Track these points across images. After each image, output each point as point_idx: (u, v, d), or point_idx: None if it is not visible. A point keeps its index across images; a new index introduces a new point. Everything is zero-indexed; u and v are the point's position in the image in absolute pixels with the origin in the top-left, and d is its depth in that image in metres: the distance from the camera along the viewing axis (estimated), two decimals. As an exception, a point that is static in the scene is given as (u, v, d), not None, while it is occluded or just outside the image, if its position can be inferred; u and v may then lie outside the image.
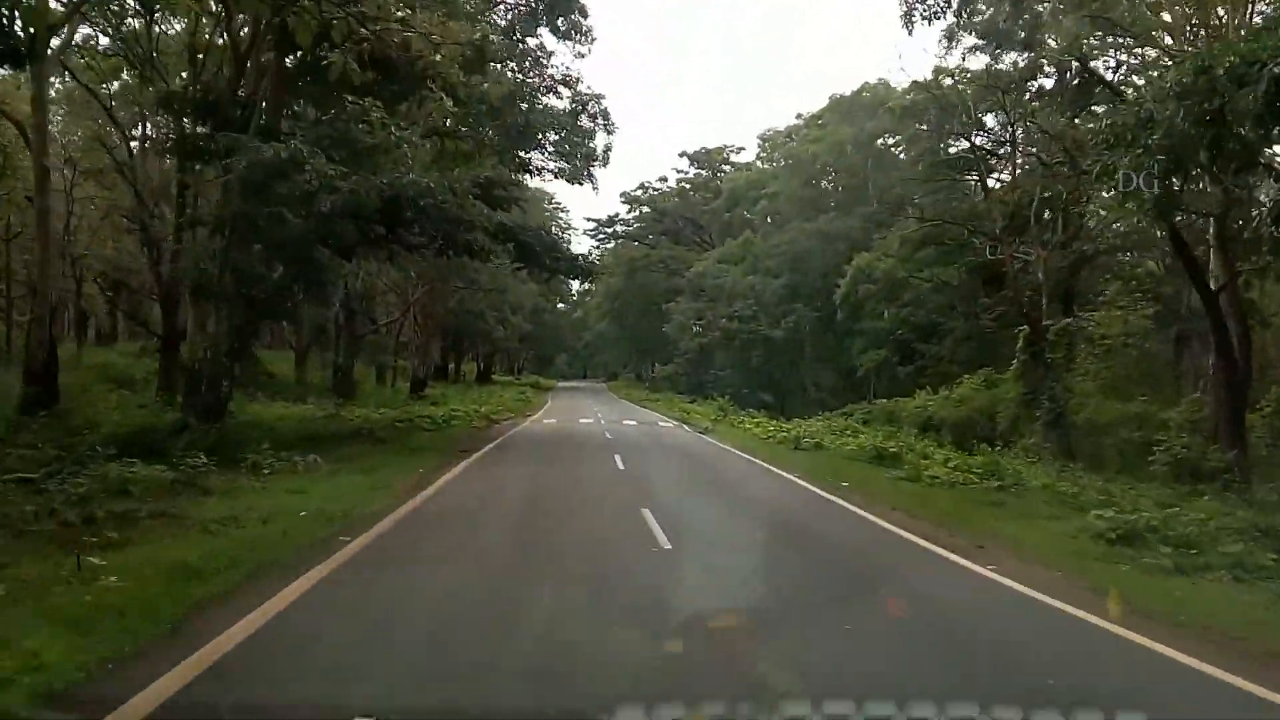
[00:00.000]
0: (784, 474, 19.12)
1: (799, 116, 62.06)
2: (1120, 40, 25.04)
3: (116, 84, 28.28)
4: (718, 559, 10.15)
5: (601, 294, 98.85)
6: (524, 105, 25.07)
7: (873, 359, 45.74)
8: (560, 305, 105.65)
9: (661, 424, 37.89)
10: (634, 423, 37.45)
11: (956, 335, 38.89)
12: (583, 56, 41.05)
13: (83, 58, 25.69)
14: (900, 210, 44.07)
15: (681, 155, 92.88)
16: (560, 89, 28.35)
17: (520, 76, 26.45)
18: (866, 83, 53.28)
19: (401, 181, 18.06)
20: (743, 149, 79.54)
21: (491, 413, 36.62)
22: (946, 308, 43.54)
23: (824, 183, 52.69)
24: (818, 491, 16.29)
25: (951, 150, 37.84)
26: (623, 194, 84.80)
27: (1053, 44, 26.29)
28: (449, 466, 17.96)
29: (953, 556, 10.32)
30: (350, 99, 18.39)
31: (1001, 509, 14.40)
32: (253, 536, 9.81)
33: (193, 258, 18.73)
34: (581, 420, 37.82)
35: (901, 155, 52.67)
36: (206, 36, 23.94)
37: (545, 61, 27.94)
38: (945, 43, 30.02)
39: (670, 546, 10.30)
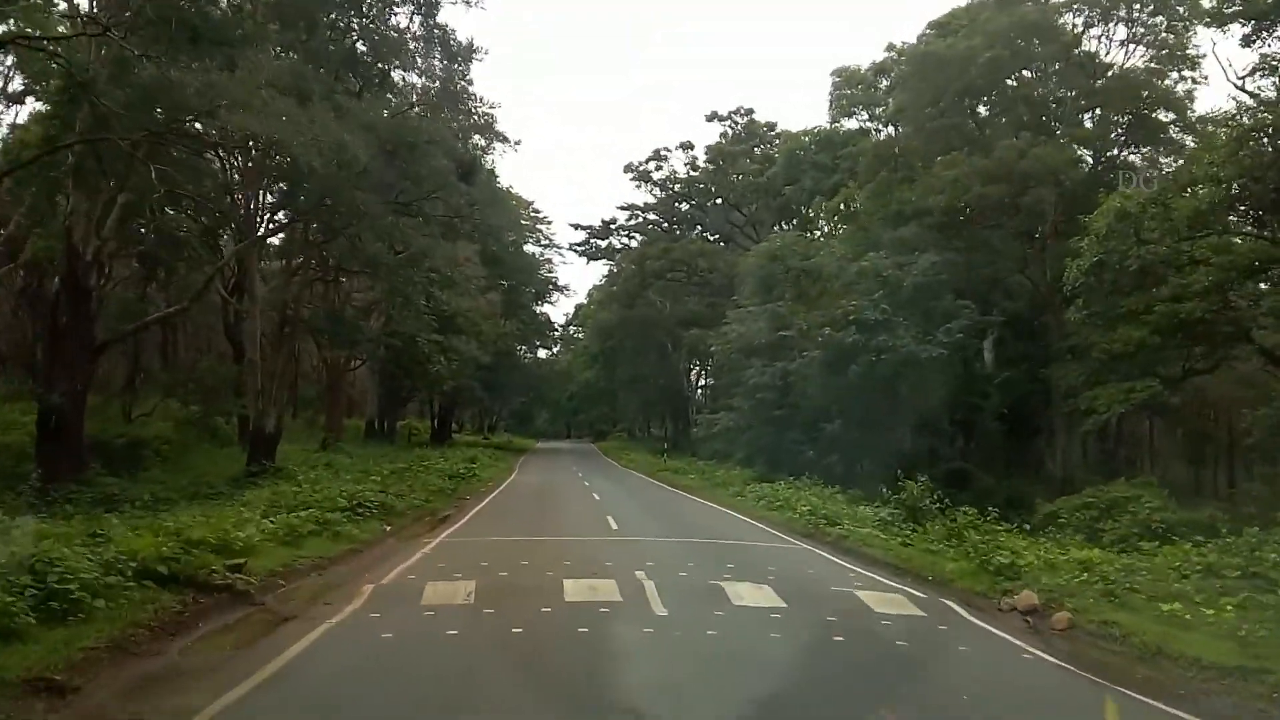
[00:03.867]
0: None
1: (890, 48, 41.52)
2: None
3: None
4: None
5: (591, 332, 76.31)
6: None
7: (1121, 398, 24.05)
8: (542, 353, 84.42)
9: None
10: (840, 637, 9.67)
11: None
12: None
13: None
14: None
15: (711, 118, 61.13)
16: None
17: None
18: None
19: None
20: (775, 125, 58.50)
21: (300, 536, 13.33)
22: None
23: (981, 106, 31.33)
24: None
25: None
26: (628, 166, 62.60)
27: None
28: None
29: None
30: None
31: None
32: None
33: None
34: (603, 610, 10.20)
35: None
36: None
37: None
38: None
39: None
